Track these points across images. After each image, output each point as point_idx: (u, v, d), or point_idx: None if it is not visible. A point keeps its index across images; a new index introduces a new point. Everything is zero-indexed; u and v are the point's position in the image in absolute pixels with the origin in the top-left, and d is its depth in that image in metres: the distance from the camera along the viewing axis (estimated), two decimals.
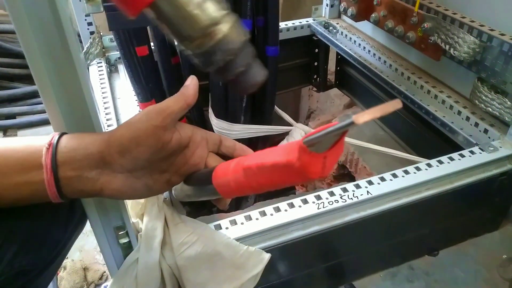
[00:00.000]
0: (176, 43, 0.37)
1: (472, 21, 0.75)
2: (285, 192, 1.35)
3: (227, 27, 0.35)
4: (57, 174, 0.36)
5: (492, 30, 0.72)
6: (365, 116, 0.25)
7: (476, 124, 0.76)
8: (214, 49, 0.36)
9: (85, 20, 0.96)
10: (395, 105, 0.26)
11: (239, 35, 0.37)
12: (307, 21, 1.19)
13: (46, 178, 0.36)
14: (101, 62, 0.99)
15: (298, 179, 0.34)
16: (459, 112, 0.79)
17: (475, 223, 0.78)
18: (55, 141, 0.37)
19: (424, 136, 0.94)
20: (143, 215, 0.54)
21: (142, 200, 0.54)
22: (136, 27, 0.79)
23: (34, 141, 0.37)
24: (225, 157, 0.47)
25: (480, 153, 0.69)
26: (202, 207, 1.08)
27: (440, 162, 0.67)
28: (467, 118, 0.78)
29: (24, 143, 0.38)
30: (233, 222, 0.58)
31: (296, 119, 1.08)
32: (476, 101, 0.76)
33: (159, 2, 0.33)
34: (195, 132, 0.44)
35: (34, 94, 1.42)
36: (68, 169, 0.37)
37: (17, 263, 0.40)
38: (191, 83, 0.42)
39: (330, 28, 1.18)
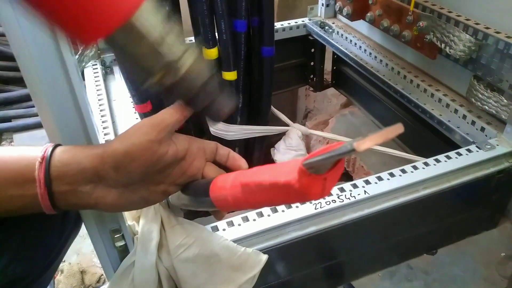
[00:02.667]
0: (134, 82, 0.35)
1: (468, 20, 0.75)
2: None
3: (189, 63, 0.34)
4: (50, 188, 0.36)
5: (487, 28, 0.72)
6: (366, 143, 0.25)
7: (473, 122, 0.76)
8: (174, 87, 0.35)
9: None
10: (396, 129, 0.26)
11: (201, 72, 0.35)
12: (302, 21, 1.19)
13: (39, 192, 0.36)
14: (96, 64, 0.99)
15: (297, 200, 0.34)
16: (456, 111, 0.79)
17: (473, 221, 0.78)
18: (48, 155, 0.36)
19: (421, 134, 0.94)
20: (139, 217, 0.54)
21: None
22: None
23: (27, 153, 0.36)
24: (219, 165, 0.47)
25: (477, 151, 0.69)
26: None
27: (437, 160, 0.67)
28: (464, 117, 0.78)
29: (17, 154, 0.37)
30: (230, 224, 0.57)
31: (293, 119, 1.08)
32: (473, 99, 0.76)
33: (116, 35, 0.31)
34: (192, 143, 0.43)
35: (30, 97, 1.41)
36: (62, 184, 0.36)
37: (11, 271, 0.39)
38: None
39: (326, 27, 1.18)
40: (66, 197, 0.37)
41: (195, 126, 1.00)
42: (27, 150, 0.37)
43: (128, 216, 0.54)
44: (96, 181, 0.38)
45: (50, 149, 0.37)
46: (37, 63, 0.35)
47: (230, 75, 0.85)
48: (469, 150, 0.69)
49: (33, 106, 1.41)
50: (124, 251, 0.50)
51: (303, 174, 0.30)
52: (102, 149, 0.38)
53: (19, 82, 1.49)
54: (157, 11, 0.31)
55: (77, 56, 0.95)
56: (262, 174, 0.36)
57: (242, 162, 0.47)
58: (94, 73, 0.95)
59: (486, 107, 0.73)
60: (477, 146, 0.70)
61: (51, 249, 0.43)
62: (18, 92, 1.44)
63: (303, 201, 0.34)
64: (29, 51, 0.34)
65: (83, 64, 0.98)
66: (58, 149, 0.37)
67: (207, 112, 0.38)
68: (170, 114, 0.40)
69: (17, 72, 1.48)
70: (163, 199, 0.45)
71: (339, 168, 0.31)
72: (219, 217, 0.48)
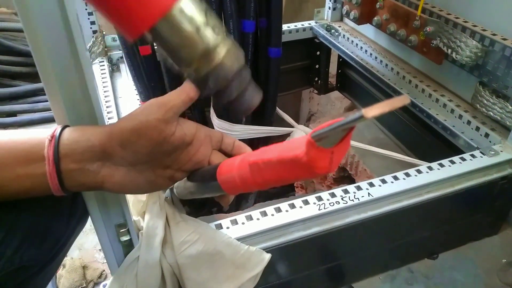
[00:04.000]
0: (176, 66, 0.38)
1: (475, 26, 0.75)
2: (284, 193, 1.35)
3: (223, 52, 0.36)
4: (59, 167, 0.36)
5: (494, 34, 0.72)
6: (374, 110, 0.25)
7: (477, 128, 0.76)
8: (210, 76, 0.37)
9: (88, 19, 0.97)
10: (403, 100, 0.26)
11: (234, 61, 0.37)
12: (309, 24, 1.20)
13: (48, 170, 0.36)
14: (103, 61, 1.00)
15: (305, 174, 0.34)
16: (460, 116, 0.79)
17: (475, 226, 0.78)
18: (58, 134, 0.37)
19: (425, 139, 0.94)
20: (144, 213, 0.54)
21: (143, 198, 0.54)
22: None
23: (37, 134, 0.37)
24: (225, 154, 0.47)
25: (481, 157, 0.69)
26: (202, 208, 1.08)
27: (441, 165, 0.67)
28: (468, 122, 0.78)
29: (27, 135, 0.38)
30: (234, 222, 0.58)
31: (297, 122, 1.08)
32: (478, 105, 0.76)
33: (158, 27, 0.34)
34: (199, 129, 0.44)
35: (36, 92, 1.42)
36: (70, 161, 0.37)
37: (18, 259, 0.39)
38: None
39: (332, 31, 1.18)
40: (74, 176, 0.37)
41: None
42: (36, 131, 0.38)
43: (134, 212, 0.54)
44: (103, 159, 0.38)
45: (59, 129, 0.38)
46: (52, 57, 0.35)
47: None
48: (473, 156, 0.69)
49: (39, 102, 1.41)
50: (128, 246, 0.51)
51: (311, 146, 0.31)
52: (110, 126, 0.39)
53: (26, 77, 1.50)
54: (195, 4, 0.34)
55: None
56: (269, 151, 0.36)
57: (248, 149, 0.47)
58: (101, 70, 0.96)
59: (491, 113, 0.73)
60: (481, 152, 0.70)
61: (58, 239, 0.44)
62: (24, 87, 1.44)
63: (310, 176, 0.34)
64: (45, 45, 0.35)
65: (90, 61, 0.99)
66: (67, 129, 0.38)
67: (238, 103, 0.39)
68: (177, 95, 0.41)
69: (23, 67, 1.49)
70: (169, 185, 0.45)
71: (346, 143, 0.32)
72: (226, 202, 0.48)
